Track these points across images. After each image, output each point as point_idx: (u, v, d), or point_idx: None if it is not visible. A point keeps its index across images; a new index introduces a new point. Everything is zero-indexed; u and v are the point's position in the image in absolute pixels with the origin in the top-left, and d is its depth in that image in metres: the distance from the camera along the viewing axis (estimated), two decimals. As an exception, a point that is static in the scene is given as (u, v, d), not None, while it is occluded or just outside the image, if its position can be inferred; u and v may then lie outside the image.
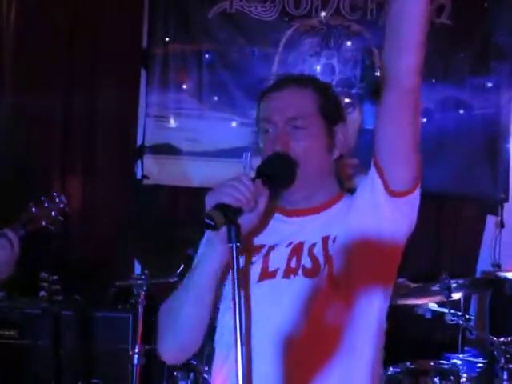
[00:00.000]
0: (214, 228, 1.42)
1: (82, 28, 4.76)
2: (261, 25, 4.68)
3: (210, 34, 4.71)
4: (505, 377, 3.00)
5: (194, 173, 4.72)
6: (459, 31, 4.59)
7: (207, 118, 4.73)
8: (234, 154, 4.67)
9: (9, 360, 3.89)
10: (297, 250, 1.63)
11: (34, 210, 2.59)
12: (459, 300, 3.57)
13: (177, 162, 4.75)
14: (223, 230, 1.43)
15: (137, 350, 3.24)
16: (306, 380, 1.57)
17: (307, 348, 1.58)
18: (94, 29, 4.76)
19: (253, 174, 1.56)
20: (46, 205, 2.64)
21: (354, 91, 4.51)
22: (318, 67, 4.63)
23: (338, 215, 1.66)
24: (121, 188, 4.75)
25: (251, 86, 4.67)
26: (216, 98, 4.72)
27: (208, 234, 1.54)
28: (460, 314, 3.28)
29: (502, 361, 3.01)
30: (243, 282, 1.56)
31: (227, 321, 1.56)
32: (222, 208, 1.43)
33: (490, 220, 4.64)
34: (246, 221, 1.50)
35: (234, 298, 1.39)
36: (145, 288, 3.26)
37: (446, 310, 3.24)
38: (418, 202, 1.64)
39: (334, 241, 1.62)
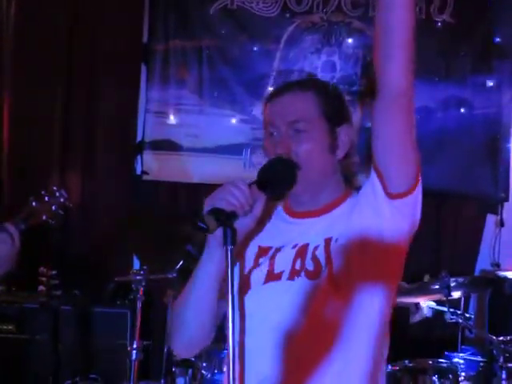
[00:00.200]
0: (207, 232, 1.48)
1: (83, 24, 4.74)
2: (262, 21, 4.66)
3: (210, 30, 4.70)
4: (503, 376, 3.00)
5: (193, 169, 4.71)
6: (461, 30, 4.58)
7: (207, 114, 4.72)
8: (234, 150, 4.67)
9: (7, 355, 3.88)
10: (301, 252, 1.66)
11: (34, 204, 2.59)
12: (459, 299, 3.56)
13: (177, 158, 4.74)
14: (219, 233, 1.49)
15: (135, 346, 3.23)
16: (305, 375, 1.60)
17: (306, 345, 1.61)
18: (94, 25, 4.75)
19: (254, 178, 1.60)
20: (47, 199, 2.64)
21: (354, 88, 4.50)
22: (319, 64, 4.62)
23: (342, 216, 1.67)
24: (120, 184, 4.74)
25: (252, 82, 4.66)
26: (216, 95, 4.71)
27: (208, 237, 1.58)
28: (459, 312, 3.27)
29: (501, 360, 3.00)
30: (245, 285, 1.66)
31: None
32: (215, 213, 1.48)
33: (490, 219, 4.64)
34: (241, 225, 1.55)
35: (228, 299, 1.44)
36: (144, 284, 3.25)
37: (445, 309, 3.23)
38: (419, 201, 1.65)
39: (336, 241, 1.64)
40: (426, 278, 3.51)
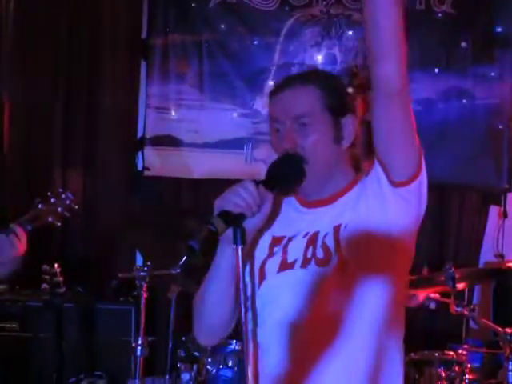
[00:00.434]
0: (216, 234, 1.54)
1: (82, 20, 4.73)
2: (261, 14, 4.65)
3: (210, 24, 4.69)
4: (509, 367, 2.99)
5: (195, 164, 4.70)
6: (462, 20, 4.57)
7: (208, 109, 4.71)
8: (235, 144, 4.66)
9: (11, 353, 3.88)
10: (312, 241, 1.70)
11: (40, 206, 2.60)
12: (463, 290, 3.56)
13: (178, 154, 4.73)
14: (229, 233, 1.55)
15: (140, 342, 3.22)
16: (309, 366, 1.64)
17: (310, 336, 1.65)
18: (93, 20, 4.74)
19: (263, 176, 1.65)
20: (53, 201, 2.65)
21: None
22: (320, 57, 4.61)
23: (350, 203, 1.70)
24: (122, 180, 4.74)
25: (252, 76, 4.65)
26: (217, 89, 4.69)
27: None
28: (464, 304, 3.27)
29: (507, 351, 2.99)
30: (260, 275, 1.72)
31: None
32: (223, 215, 1.55)
33: (494, 210, 4.63)
34: (251, 224, 1.60)
35: (239, 297, 1.53)
36: (147, 280, 3.25)
37: (450, 301, 3.23)
38: (423, 190, 1.67)
39: (345, 228, 1.67)
40: (425, 270, 3.51)
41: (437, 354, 3.21)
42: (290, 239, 1.72)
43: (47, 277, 3.61)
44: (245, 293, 1.53)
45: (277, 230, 1.75)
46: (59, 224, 2.65)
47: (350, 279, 1.64)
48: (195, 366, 3.19)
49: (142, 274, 3.25)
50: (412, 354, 3.19)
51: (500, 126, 4.55)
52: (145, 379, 3.26)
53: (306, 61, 4.60)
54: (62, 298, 3.82)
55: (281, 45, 4.63)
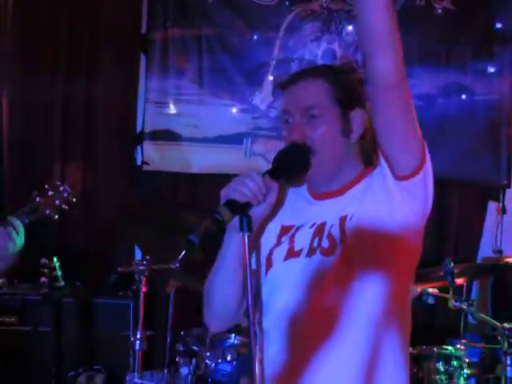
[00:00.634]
0: (222, 223, 1.57)
1: (81, 14, 4.72)
2: (261, 9, 4.64)
3: (209, 18, 4.68)
4: (508, 362, 3.00)
5: (194, 159, 4.70)
6: (462, 16, 4.56)
7: (207, 104, 4.71)
8: (234, 139, 4.67)
9: (9, 347, 3.88)
10: (319, 231, 1.72)
11: (38, 199, 2.60)
12: (462, 285, 3.56)
13: (177, 148, 4.73)
14: (236, 221, 1.58)
15: (138, 336, 3.23)
16: (306, 359, 1.66)
17: (307, 329, 1.68)
18: (93, 14, 4.73)
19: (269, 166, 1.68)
20: (50, 194, 2.64)
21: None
22: (319, 52, 4.61)
23: (358, 195, 1.73)
24: (121, 174, 4.73)
25: (251, 71, 4.65)
26: (216, 84, 4.69)
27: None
28: (462, 299, 3.27)
29: (505, 346, 3.00)
30: (267, 263, 1.76)
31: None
32: (230, 204, 1.58)
33: (492, 206, 4.63)
34: (257, 213, 1.63)
35: (246, 284, 1.56)
36: (146, 274, 3.25)
37: (448, 296, 3.23)
38: (428, 184, 1.68)
39: (351, 219, 1.69)
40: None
41: (435, 349, 3.22)
42: (297, 229, 1.75)
43: (46, 270, 3.62)
44: (251, 279, 1.56)
45: (286, 219, 1.78)
46: (57, 217, 2.65)
47: (351, 270, 1.65)
48: (194, 360, 3.19)
49: (140, 268, 3.25)
50: (410, 349, 3.18)
51: (499, 122, 4.56)
52: (143, 373, 3.26)
53: (306, 56, 4.60)
54: (61, 291, 3.83)
55: (280, 40, 4.63)
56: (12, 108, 4.66)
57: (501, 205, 4.60)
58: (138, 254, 4.54)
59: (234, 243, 1.66)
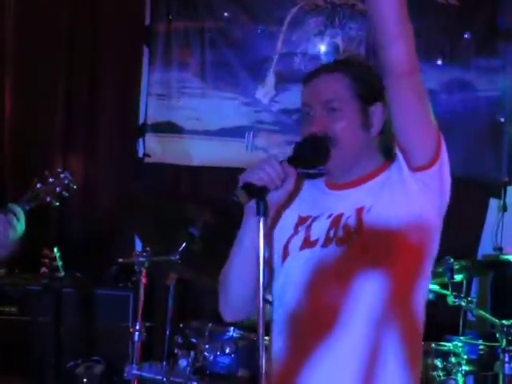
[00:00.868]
0: (239, 205, 1.62)
1: (84, 5, 4.72)
2: (265, 2, 4.64)
3: (213, 11, 4.67)
4: (506, 359, 3.00)
5: (196, 151, 4.70)
6: (465, 12, 4.55)
7: (210, 97, 4.70)
8: (236, 132, 4.66)
9: (9, 337, 3.89)
10: (336, 222, 1.74)
11: (38, 186, 2.60)
12: (461, 282, 3.56)
13: (179, 141, 4.73)
14: (252, 204, 1.62)
15: (137, 328, 3.23)
16: (305, 355, 1.67)
17: (307, 326, 1.69)
18: (95, 5, 4.72)
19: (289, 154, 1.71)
20: (51, 181, 2.65)
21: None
22: (323, 46, 4.60)
23: (375, 188, 1.74)
24: (122, 166, 4.74)
25: (255, 64, 4.64)
26: (219, 77, 4.68)
27: (244, 208, 1.69)
28: (462, 296, 3.27)
29: (504, 343, 3.00)
30: (284, 253, 1.77)
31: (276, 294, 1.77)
32: (247, 187, 1.62)
33: (493, 203, 4.63)
34: (274, 198, 1.67)
35: (258, 269, 1.58)
36: (146, 265, 3.25)
37: (447, 292, 3.23)
38: (444, 174, 1.70)
39: (368, 211, 1.71)
40: None
41: (434, 345, 3.21)
42: (314, 219, 1.78)
43: (46, 261, 3.63)
44: (264, 264, 1.58)
45: (303, 209, 1.81)
46: (57, 204, 2.65)
47: (368, 260, 1.66)
48: (192, 353, 3.19)
49: (141, 259, 3.25)
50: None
51: (501, 119, 4.55)
52: (142, 364, 3.26)
53: (309, 50, 4.59)
54: (61, 282, 3.84)
55: (284, 34, 4.62)
56: (15, 97, 4.66)
57: (502, 202, 4.59)
58: (139, 246, 4.54)
59: (250, 227, 1.68)
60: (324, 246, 1.73)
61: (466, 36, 4.54)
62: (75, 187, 2.74)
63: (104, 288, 4.09)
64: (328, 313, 1.66)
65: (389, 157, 1.78)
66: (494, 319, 3.10)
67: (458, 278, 3.36)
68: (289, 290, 1.73)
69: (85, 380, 3.85)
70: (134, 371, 3.21)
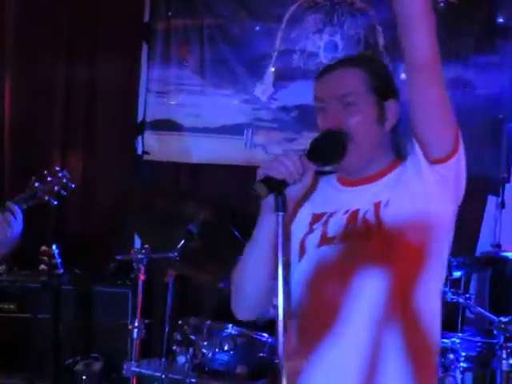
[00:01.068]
0: (258, 197, 1.62)
1: (84, 3, 4.71)
2: (264, 0, 4.64)
3: (212, 8, 4.67)
4: (504, 355, 3.00)
5: (194, 149, 4.70)
6: (464, 10, 4.55)
7: (209, 95, 4.71)
8: (235, 130, 4.66)
9: (8, 334, 3.90)
10: (353, 217, 1.74)
11: (37, 184, 2.60)
12: (459, 279, 3.57)
13: (178, 138, 4.73)
14: (270, 199, 1.61)
15: (136, 324, 3.23)
16: (309, 350, 1.69)
17: (309, 321, 1.71)
18: (95, 5, 4.72)
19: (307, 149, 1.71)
20: (49, 179, 2.64)
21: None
22: (321, 44, 4.60)
23: (390, 183, 1.75)
24: (121, 163, 4.74)
25: (253, 62, 4.64)
26: (218, 75, 4.69)
27: (262, 203, 1.69)
28: (460, 292, 3.28)
29: (502, 340, 3.01)
30: (300, 251, 1.77)
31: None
32: (266, 181, 1.60)
33: (491, 200, 4.63)
34: (292, 192, 1.65)
35: (277, 264, 1.56)
36: (145, 262, 3.25)
37: (446, 289, 3.24)
38: (461, 170, 1.74)
39: (386, 205, 1.71)
40: None
41: (432, 342, 3.22)
42: (330, 215, 1.77)
43: (45, 258, 3.63)
44: (282, 258, 1.56)
45: (317, 207, 1.80)
46: (56, 202, 2.65)
47: (386, 254, 1.67)
48: (191, 350, 3.20)
49: (139, 256, 3.25)
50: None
51: (500, 116, 4.55)
52: (141, 361, 3.26)
53: (308, 48, 4.59)
54: (60, 279, 3.84)
55: (282, 31, 4.61)
56: (14, 95, 4.66)
57: (500, 199, 4.59)
58: (138, 243, 4.55)
59: (268, 222, 1.66)
60: (341, 241, 1.72)
61: (465, 34, 4.54)
62: (74, 186, 2.74)
63: (103, 285, 4.10)
64: (329, 309, 1.67)
65: (399, 155, 1.79)
66: (492, 316, 3.11)
67: (456, 274, 3.36)
68: (294, 286, 1.74)
69: (84, 377, 3.86)
70: (133, 368, 3.21)
